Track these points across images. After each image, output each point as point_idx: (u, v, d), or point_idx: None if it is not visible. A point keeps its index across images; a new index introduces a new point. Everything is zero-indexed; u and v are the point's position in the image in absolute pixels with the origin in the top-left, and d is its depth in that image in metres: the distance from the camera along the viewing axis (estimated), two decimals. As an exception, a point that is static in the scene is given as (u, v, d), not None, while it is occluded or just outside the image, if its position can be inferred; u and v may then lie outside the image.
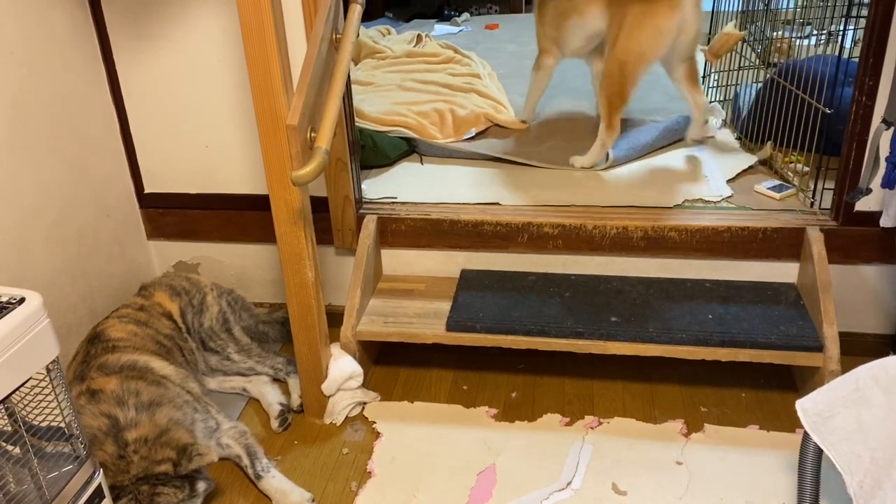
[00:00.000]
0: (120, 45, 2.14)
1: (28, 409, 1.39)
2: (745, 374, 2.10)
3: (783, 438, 1.88)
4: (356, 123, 2.23)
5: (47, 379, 1.36)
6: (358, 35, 1.91)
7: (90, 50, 2.12)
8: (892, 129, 1.76)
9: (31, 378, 1.33)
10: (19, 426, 1.36)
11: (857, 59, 1.91)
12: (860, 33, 1.91)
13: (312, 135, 1.71)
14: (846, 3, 2.09)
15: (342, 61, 1.76)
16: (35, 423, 1.42)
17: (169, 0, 2.05)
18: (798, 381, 2.06)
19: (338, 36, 1.84)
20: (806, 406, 1.44)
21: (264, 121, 1.70)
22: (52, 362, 1.36)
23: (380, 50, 3.53)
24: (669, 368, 2.13)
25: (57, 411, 1.41)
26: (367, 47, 3.54)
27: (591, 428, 1.94)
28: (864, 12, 1.88)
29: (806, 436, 1.46)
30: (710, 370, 2.11)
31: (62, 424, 1.42)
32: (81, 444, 1.46)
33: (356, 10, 1.84)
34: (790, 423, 1.93)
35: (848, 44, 2.05)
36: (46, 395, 1.39)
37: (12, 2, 1.84)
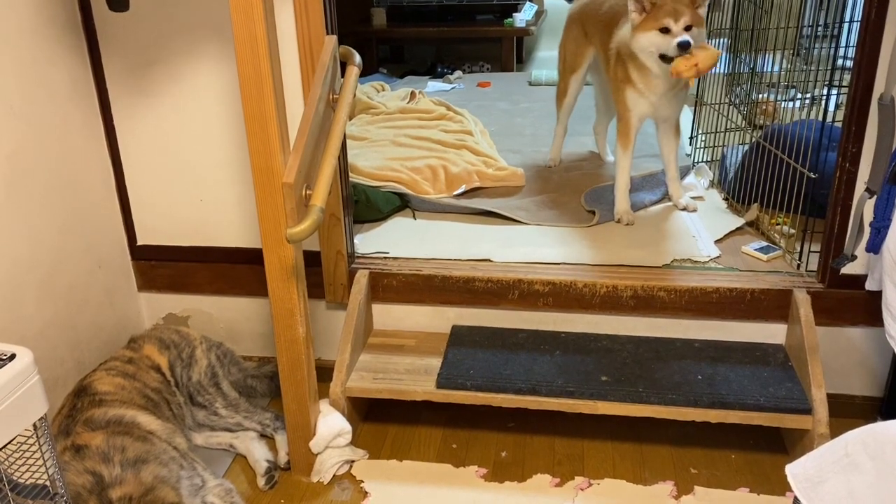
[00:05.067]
0: (119, 101, 2.17)
1: (13, 466, 1.37)
2: (735, 434, 2.10)
3: (774, 502, 1.87)
4: (349, 178, 2.26)
5: (34, 436, 1.35)
6: (354, 95, 1.95)
7: (89, 105, 2.15)
8: (874, 197, 1.80)
9: (17, 435, 1.32)
10: (3, 484, 1.34)
11: (840, 124, 1.96)
12: (843, 98, 1.97)
13: (308, 192, 1.73)
14: (829, 69, 2.15)
15: (339, 121, 1.80)
16: (19, 479, 1.40)
17: (169, 58, 2.10)
18: (787, 443, 2.06)
19: (335, 96, 1.87)
20: (796, 471, 1.44)
21: (260, 178, 1.72)
22: (39, 419, 1.34)
23: (374, 106, 3.59)
24: (659, 428, 2.12)
25: (42, 469, 1.39)
26: (361, 103, 3.60)
27: (582, 489, 1.93)
28: (847, 77, 1.94)
29: (796, 501, 1.45)
30: (699, 430, 2.10)
31: (46, 482, 1.40)
32: (65, 502, 1.43)
33: (354, 71, 1.88)
34: (780, 486, 1.92)
35: (832, 108, 2.11)
36: (33, 452, 1.37)
37: (14, 58, 1.87)
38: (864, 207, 1.85)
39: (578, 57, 2.78)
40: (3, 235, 1.87)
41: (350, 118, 3.50)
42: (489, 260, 2.25)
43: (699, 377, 1.98)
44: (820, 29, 2.82)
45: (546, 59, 5.10)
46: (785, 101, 3.03)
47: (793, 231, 2.27)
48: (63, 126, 2.05)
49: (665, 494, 1.90)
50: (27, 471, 1.37)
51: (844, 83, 1.97)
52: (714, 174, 2.84)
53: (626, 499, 1.89)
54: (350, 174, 2.37)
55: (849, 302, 2.04)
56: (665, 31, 2.17)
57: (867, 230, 1.86)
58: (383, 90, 3.99)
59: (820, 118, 2.10)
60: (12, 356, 1.29)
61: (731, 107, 3.03)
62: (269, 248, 1.77)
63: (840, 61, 2.13)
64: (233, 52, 1.98)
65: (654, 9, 2.18)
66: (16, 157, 1.89)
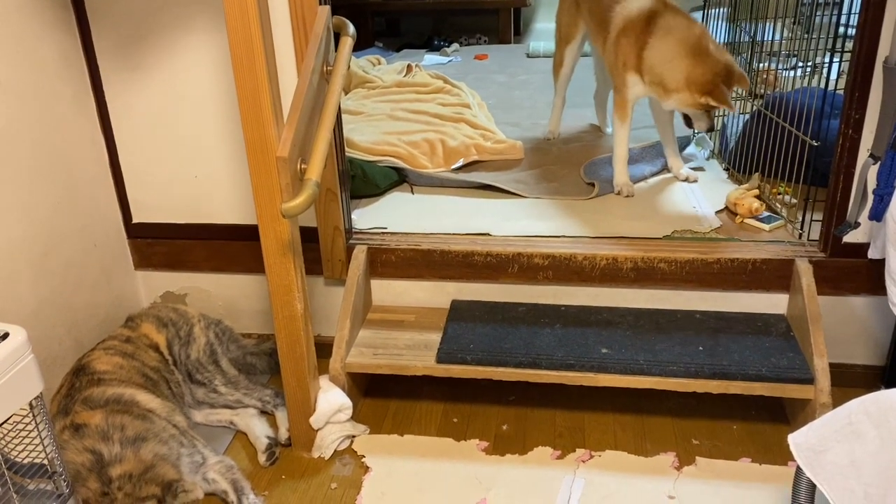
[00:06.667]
0: (110, 76, 2.14)
1: (10, 445, 1.37)
2: (736, 405, 2.09)
3: (776, 472, 1.87)
4: (346, 153, 2.23)
5: (30, 415, 1.34)
6: (349, 67, 1.92)
7: (80, 80, 2.11)
8: (878, 163, 1.78)
9: (13, 414, 1.31)
10: (0, 463, 1.33)
11: (842, 92, 1.94)
12: (845, 66, 1.94)
13: (303, 166, 1.70)
14: (830, 36, 2.11)
15: (333, 94, 1.77)
16: (17, 459, 1.39)
17: (160, 31, 2.06)
18: (789, 413, 2.05)
19: (328, 68, 1.84)
20: (798, 441, 1.44)
21: (254, 152, 1.69)
22: (35, 398, 1.33)
23: (370, 79, 3.55)
24: (660, 400, 2.12)
25: (40, 448, 1.39)
26: (357, 77, 3.56)
27: (583, 461, 1.92)
28: (849, 45, 1.90)
29: (799, 470, 1.45)
30: (700, 401, 2.10)
31: (45, 461, 1.40)
32: (64, 481, 1.43)
33: (347, 42, 1.85)
34: (782, 455, 1.92)
35: (833, 76, 2.08)
36: (29, 431, 1.37)
37: (1, 32, 1.84)
38: (868, 174, 1.83)
39: (572, 28, 2.75)
40: (-4, 214, 1.85)
41: (346, 92, 3.46)
42: (488, 234, 2.23)
43: (700, 348, 1.97)
44: (821, -4, 2.77)
45: (544, 31, 5.04)
46: (786, 69, 2.99)
47: (794, 200, 2.25)
48: (53, 102, 2.02)
49: (667, 465, 1.90)
50: (24, 450, 1.36)
51: (846, 51, 1.94)
52: (714, 144, 2.81)
53: (628, 470, 1.89)
54: (346, 149, 2.34)
55: (851, 271, 2.03)
56: (707, 111, 2.28)
57: (870, 197, 1.83)
58: (379, 64, 3.95)
59: (821, 86, 2.07)
60: (5, 335, 1.28)
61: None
62: (264, 224, 1.75)
63: (841, 29, 2.10)
64: (224, 24, 1.95)
65: (714, 91, 2.19)
66: (6, 133, 1.86)
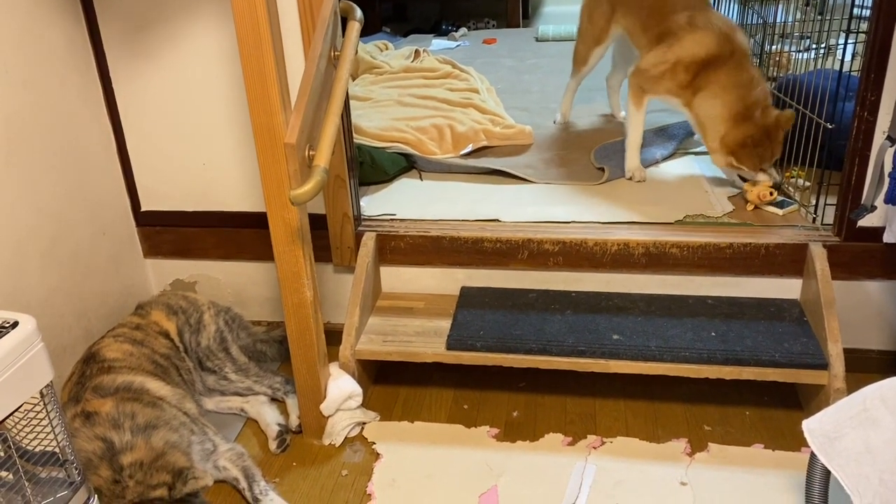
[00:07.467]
0: (117, 64, 2.13)
1: (21, 433, 1.37)
2: (749, 391, 2.08)
3: (789, 458, 1.86)
4: (354, 139, 2.22)
5: (41, 404, 1.34)
6: (356, 52, 1.90)
7: (87, 68, 2.10)
8: (895, 145, 1.75)
9: (24, 403, 1.31)
10: (12, 452, 1.33)
11: (856, 73, 1.91)
12: (859, 47, 1.90)
13: (311, 153, 1.69)
14: (844, 17, 2.08)
15: (341, 79, 1.75)
16: (28, 447, 1.40)
17: (166, 18, 2.04)
18: (802, 399, 2.04)
19: (336, 53, 1.82)
20: (812, 427, 1.42)
21: (262, 139, 1.68)
22: (46, 387, 1.33)
23: (377, 65, 3.53)
24: (672, 386, 2.10)
25: (51, 436, 1.39)
26: (364, 62, 3.54)
27: (594, 448, 1.92)
28: (863, 26, 1.87)
29: (813, 456, 1.43)
30: (712, 387, 2.09)
31: (56, 449, 1.40)
32: (76, 469, 1.43)
33: (355, 27, 1.83)
34: (795, 441, 1.90)
35: (847, 57, 2.04)
36: (40, 419, 1.37)
37: (8, 20, 1.83)
38: (885, 157, 1.80)
39: (606, 30, 2.65)
40: (5, 201, 1.84)
41: (353, 78, 3.44)
42: (498, 220, 2.22)
43: (713, 334, 1.96)
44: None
45: (553, 14, 5.01)
46: (798, 51, 2.95)
47: (808, 184, 2.22)
48: (61, 90, 2.01)
49: (679, 452, 1.89)
50: (35, 438, 1.36)
51: (860, 31, 1.90)
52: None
53: (640, 457, 1.88)
54: (354, 135, 2.33)
55: (865, 255, 2.00)
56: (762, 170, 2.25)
57: (886, 181, 1.81)
58: (387, 49, 3.92)
59: (835, 68, 2.04)
60: (15, 323, 1.28)
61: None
62: (273, 211, 1.74)
63: (856, 10, 2.06)
64: (231, 10, 1.92)
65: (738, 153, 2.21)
66: (13, 122, 1.86)
